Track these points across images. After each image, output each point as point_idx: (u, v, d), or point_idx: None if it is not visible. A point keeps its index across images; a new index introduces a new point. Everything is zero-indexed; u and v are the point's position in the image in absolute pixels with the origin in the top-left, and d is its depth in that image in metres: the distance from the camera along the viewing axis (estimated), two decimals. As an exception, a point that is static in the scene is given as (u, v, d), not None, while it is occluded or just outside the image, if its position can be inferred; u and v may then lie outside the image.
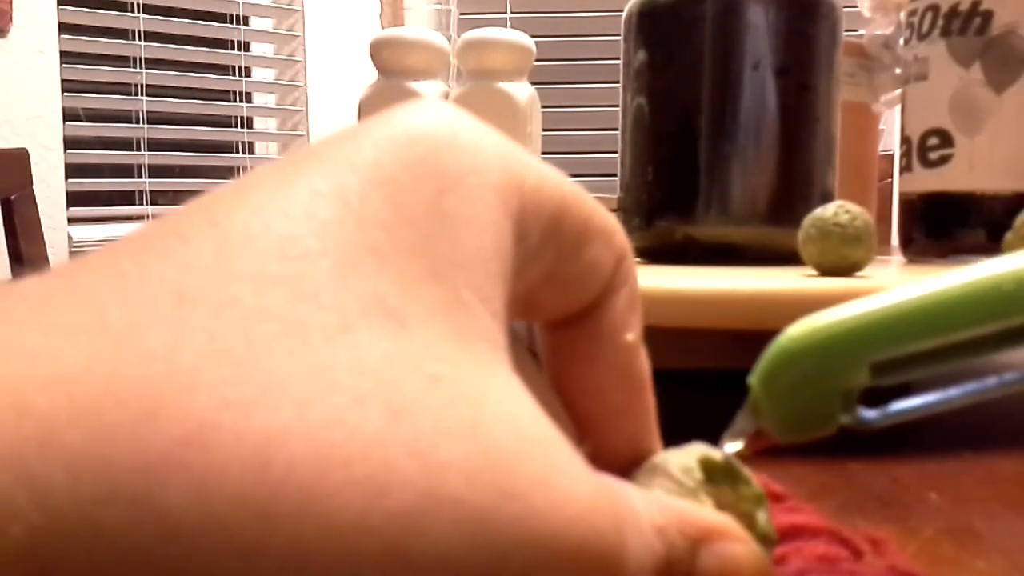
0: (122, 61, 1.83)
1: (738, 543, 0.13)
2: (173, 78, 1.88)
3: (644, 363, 0.15)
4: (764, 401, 0.15)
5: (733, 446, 0.16)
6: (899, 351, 0.15)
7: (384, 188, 0.11)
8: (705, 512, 0.13)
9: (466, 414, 0.10)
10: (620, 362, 0.15)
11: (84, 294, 0.09)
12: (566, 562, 0.10)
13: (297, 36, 1.99)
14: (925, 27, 0.50)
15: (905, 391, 0.16)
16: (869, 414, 0.16)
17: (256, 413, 0.09)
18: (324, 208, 0.11)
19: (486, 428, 0.10)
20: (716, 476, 0.14)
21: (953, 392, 0.16)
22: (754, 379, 0.15)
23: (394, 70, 0.64)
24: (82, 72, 1.79)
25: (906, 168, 0.52)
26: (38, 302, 0.09)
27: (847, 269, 0.33)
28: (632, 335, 0.15)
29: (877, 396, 0.16)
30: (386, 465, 0.09)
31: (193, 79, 1.91)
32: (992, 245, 0.44)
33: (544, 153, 0.68)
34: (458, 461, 0.10)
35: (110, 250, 0.10)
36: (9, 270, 1.18)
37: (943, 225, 0.50)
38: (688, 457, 0.14)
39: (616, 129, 0.50)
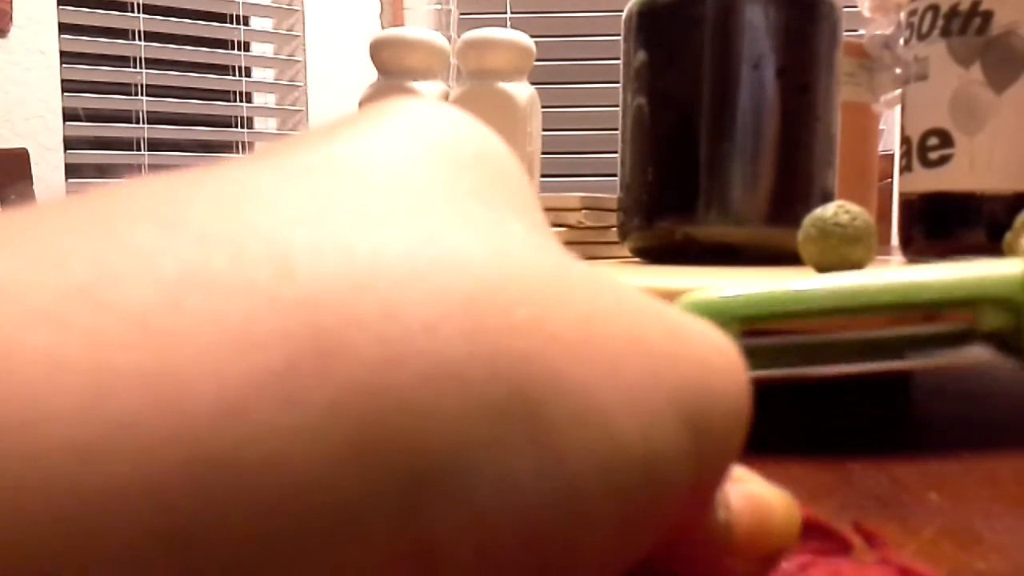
0: (122, 61, 1.83)
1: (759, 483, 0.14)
2: (173, 78, 1.88)
3: None
4: None
5: None
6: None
7: (435, 145, 0.12)
8: None
9: (628, 291, 0.11)
10: None
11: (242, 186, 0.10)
12: (735, 357, 0.12)
13: (297, 36, 1.99)
14: (925, 27, 0.50)
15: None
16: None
17: (454, 234, 0.09)
18: (393, 138, 0.11)
19: (620, 282, 0.11)
20: None
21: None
22: None
23: (394, 70, 0.64)
24: (82, 72, 1.79)
25: (906, 168, 0.52)
26: (193, 183, 0.10)
27: (847, 269, 0.33)
28: None
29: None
30: (594, 297, 0.10)
31: (193, 79, 1.91)
32: (992, 245, 0.44)
33: (544, 153, 0.68)
34: (632, 292, 0.11)
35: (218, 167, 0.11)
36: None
37: (943, 225, 0.50)
38: None
39: (616, 129, 0.50)
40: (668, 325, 0.11)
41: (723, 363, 0.11)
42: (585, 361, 0.09)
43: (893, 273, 0.24)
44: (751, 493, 0.13)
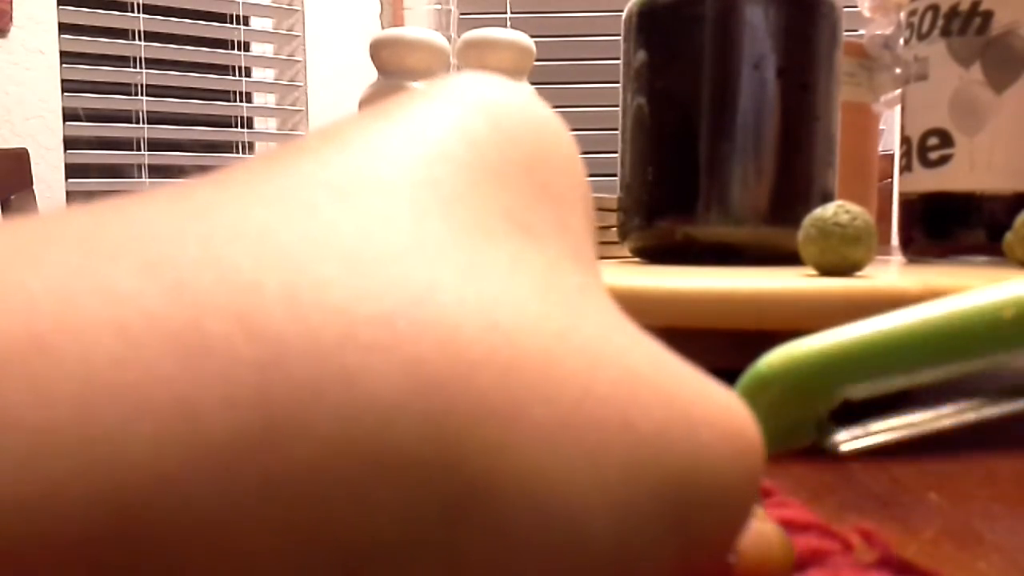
0: (122, 61, 1.83)
1: (762, 520, 0.14)
2: (173, 78, 1.88)
3: None
4: None
5: None
6: (869, 381, 0.15)
7: (485, 116, 0.12)
8: None
9: (623, 322, 0.11)
10: None
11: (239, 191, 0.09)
12: (744, 441, 0.11)
13: (297, 36, 1.99)
14: (925, 27, 0.50)
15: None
16: (842, 440, 0.16)
17: (449, 292, 0.09)
18: (435, 130, 0.11)
19: (638, 337, 0.11)
20: None
21: (925, 417, 0.16)
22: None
23: (394, 70, 0.64)
24: (82, 72, 1.79)
25: (906, 168, 0.52)
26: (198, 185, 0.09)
27: (847, 269, 0.33)
28: None
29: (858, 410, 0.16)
30: (595, 359, 0.09)
31: (193, 79, 1.91)
32: (992, 245, 0.44)
33: (544, 153, 0.68)
34: (644, 359, 0.10)
35: (235, 169, 0.10)
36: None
37: (943, 225, 0.50)
38: None
39: (616, 129, 0.50)
40: (672, 406, 0.10)
41: (727, 449, 0.10)
42: (562, 452, 0.09)
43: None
44: (754, 531, 0.13)
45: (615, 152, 0.51)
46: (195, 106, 1.92)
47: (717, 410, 0.11)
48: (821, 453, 0.24)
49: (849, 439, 0.16)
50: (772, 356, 0.15)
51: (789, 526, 0.16)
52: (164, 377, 0.07)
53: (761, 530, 0.13)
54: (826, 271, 0.34)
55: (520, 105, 0.12)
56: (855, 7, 0.63)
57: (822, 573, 0.15)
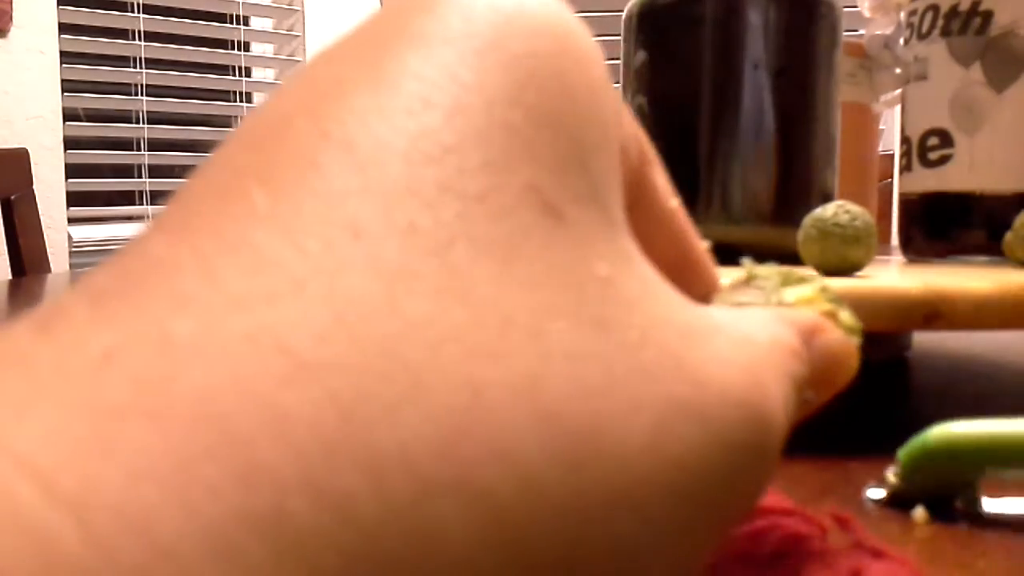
0: (122, 61, 1.83)
1: (831, 334, 0.14)
2: (173, 78, 1.88)
3: (686, 217, 0.16)
4: (905, 472, 0.21)
5: (876, 492, 0.22)
6: (1012, 469, 0.19)
7: (496, 57, 0.10)
8: (801, 313, 0.14)
9: (645, 322, 0.10)
10: (672, 224, 0.16)
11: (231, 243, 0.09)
12: (746, 428, 0.11)
13: (297, 36, 1.99)
14: (925, 27, 0.50)
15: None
16: (989, 506, 0.20)
17: (477, 335, 0.09)
18: (440, 93, 0.10)
19: (668, 330, 0.10)
20: (792, 279, 0.16)
21: None
22: (901, 454, 0.21)
23: (394, 70, 0.64)
24: (82, 72, 1.79)
25: (906, 168, 0.52)
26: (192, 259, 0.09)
27: (847, 269, 0.33)
28: (674, 199, 0.16)
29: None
30: (633, 380, 0.10)
31: (193, 79, 1.91)
32: (992, 245, 0.44)
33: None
34: (669, 359, 0.10)
35: (225, 186, 0.09)
36: (9, 270, 1.18)
37: (943, 225, 0.50)
38: (761, 270, 0.16)
39: (616, 129, 0.50)
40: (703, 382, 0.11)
41: (743, 422, 0.11)
42: (635, 462, 0.10)
43: None
44: (827, 347, 0.14)
45: (615, 152, 0.51)
46: (195, 106, 1.92)
47: (736, 387, 0.11)
48: (824, 450, 0.24)
49: (993, 507, 0.20)
50: (937, 431, 0.20)
51: (770, 512, 0.16)
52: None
53: (826, 345, 0.14)
54: (826, 271, 0.34)
55: (537, 14, 0.11)
56: (855, 7, 0.63)
57: (800, 559, 0.15)
